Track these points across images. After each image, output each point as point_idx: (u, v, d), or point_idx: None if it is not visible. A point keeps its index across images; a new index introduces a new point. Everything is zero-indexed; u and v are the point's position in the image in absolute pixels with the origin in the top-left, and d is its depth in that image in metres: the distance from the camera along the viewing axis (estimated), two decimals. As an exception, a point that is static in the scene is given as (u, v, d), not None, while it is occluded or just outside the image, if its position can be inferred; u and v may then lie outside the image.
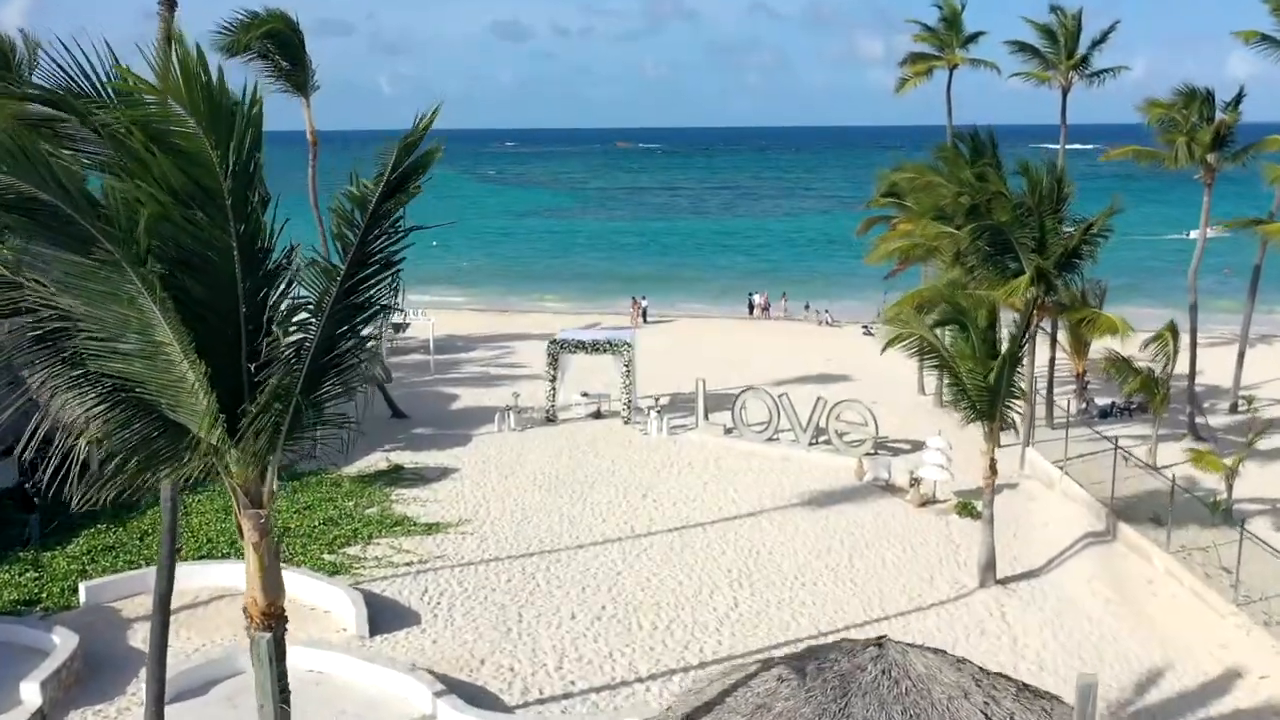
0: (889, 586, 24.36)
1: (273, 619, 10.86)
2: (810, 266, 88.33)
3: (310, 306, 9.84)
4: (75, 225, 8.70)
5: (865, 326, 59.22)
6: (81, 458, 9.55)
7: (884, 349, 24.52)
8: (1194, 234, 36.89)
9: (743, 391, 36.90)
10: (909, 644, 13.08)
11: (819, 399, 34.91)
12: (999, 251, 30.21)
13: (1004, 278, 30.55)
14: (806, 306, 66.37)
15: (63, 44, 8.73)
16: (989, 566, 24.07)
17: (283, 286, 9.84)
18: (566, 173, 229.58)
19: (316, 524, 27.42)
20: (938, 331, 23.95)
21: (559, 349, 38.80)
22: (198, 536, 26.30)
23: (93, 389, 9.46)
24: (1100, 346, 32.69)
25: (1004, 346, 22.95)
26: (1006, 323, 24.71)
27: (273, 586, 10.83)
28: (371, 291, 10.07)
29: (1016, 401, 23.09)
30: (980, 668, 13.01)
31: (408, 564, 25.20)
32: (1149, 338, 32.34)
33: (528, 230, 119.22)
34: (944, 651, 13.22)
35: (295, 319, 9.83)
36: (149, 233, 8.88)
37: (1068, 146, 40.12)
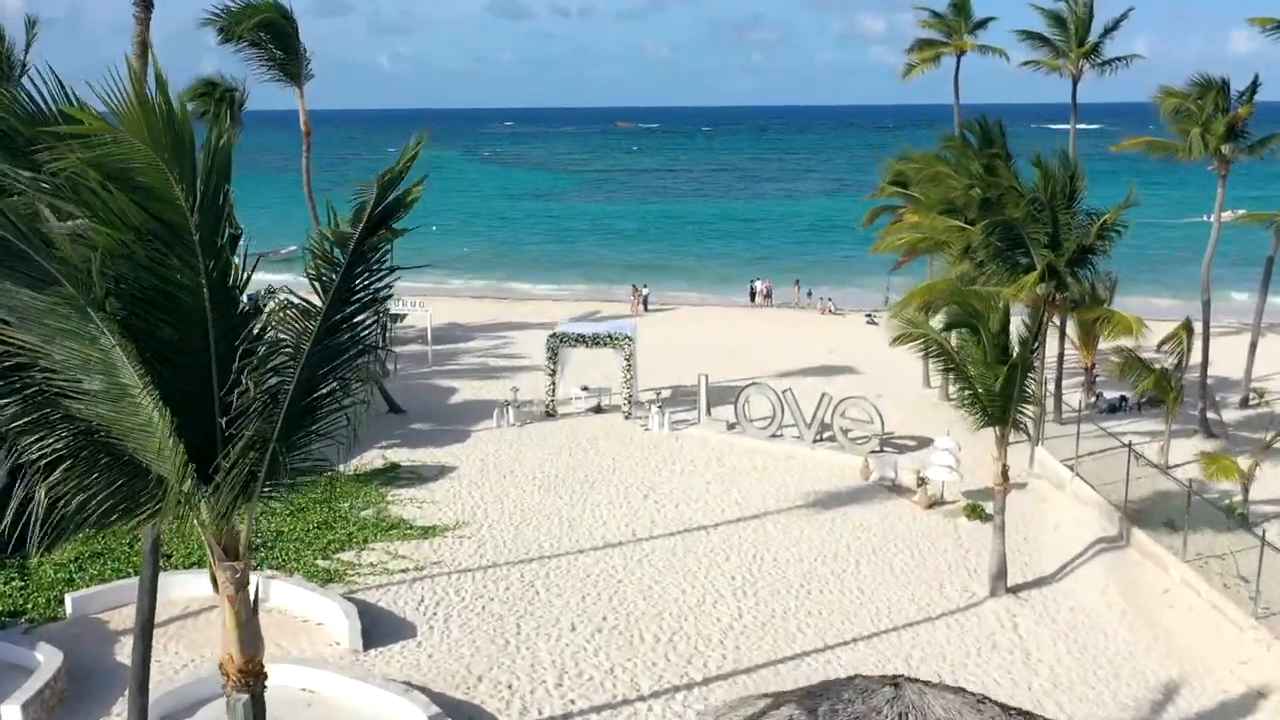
0: (898, 595, 23.74)
1: (251, 677, 10.18)
2: (811, 251, 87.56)
3: (288, 350, 9.13)
4: (30, 261, 8.00)
5: (869, 315, 58.55)
6: (45, 502, 8.87)
7: (892, 344, 23.85)
8: (1210, 217, 35.95)
9: (746, 386, 36.24)
10: (926, 683, 12.41)
11: (824, 395, 34.23)
12: (1010, 247, 29.49)
13: (1014, 273, 29.86)
14: (809, 294, 65.63)
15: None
16: (1000, 575, 23.45)
17: (258, 327, 9.11)
18: (566, 154, 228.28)
19: (311, 528, 26.79)
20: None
21: (558, 342, 38.08)
22: (188, 540, 25.64)
23: (56, 430, 8.77)
24: (1110, 339, 31.94)
25: (1015, 350, 22.28)
26: (1015, 323, 24.02)
27: (251, 643, 10.14)
28: (355, 331, 9.35)
29: (1028, 406, 22.35)
30: (1003, 707, 12.35)
31: (403, 570, 24.57)
32: (1164, 337, 31.61)
33: (527, 214, 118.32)
34: (963, 690, 12.55)
35: (272, 363, 9.11)
36: (108, 272, 8.16)
37: (1079, 126, 39.26)
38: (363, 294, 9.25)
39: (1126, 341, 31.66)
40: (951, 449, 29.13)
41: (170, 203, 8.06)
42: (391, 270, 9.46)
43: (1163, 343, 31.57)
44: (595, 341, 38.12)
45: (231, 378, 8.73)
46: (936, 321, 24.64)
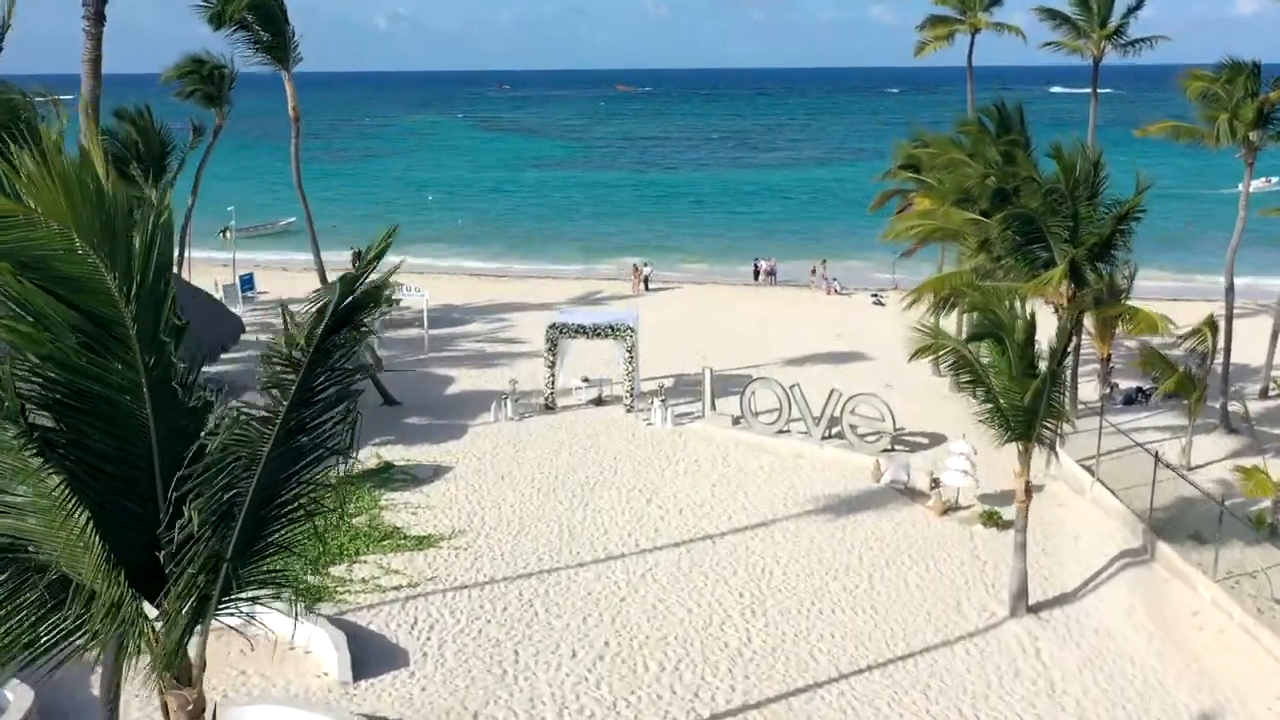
0: (913, 614, 22.68)
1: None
2: (814, 225, 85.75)
3: (242, 459, 7.94)
4: (-69, 361, 6.83)
5: (875, 295, 57.29)
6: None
7: (911, 358, 22.67)
8: (1257, 183, 34.44)
9: (752, 380, 35.08)
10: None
11: (833, 391, 33.04)
12: (1029, 240, 28.17)
13: (1033, 268, 28.57)
14: (813, 271, 64.16)
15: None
16: (1021, 595, 22.38)
17: (210, 427, 7.91)
18: (564, 120, 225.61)
19: (300, 538, 25.63)
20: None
21: (558, 333, 36.84)
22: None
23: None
24: (1133, 335, 30.62)
25: (1041, 360, 21.10)
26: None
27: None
28: (318, 434, 8.18)
29: (1054, 421, 21.17)
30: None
31: (396, 588, 23.49)
32: (1186, 333, 30.39)
33: (524, 184, 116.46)
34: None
35: (222, 477, 7.91)
36: (31, 376, 6.96)
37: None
38: (326, 395, 8.07)
39: (1150, 337, 30.46)
40: (967, 453, 28.01)
41: (100, 294, 6.87)
42: (354, 372, 8.25)
43: (1185, 339, 30.34)
44: (596, 332, 36.86)
45: (173, 493, 7.56)
46: (947, 321, 23.46)
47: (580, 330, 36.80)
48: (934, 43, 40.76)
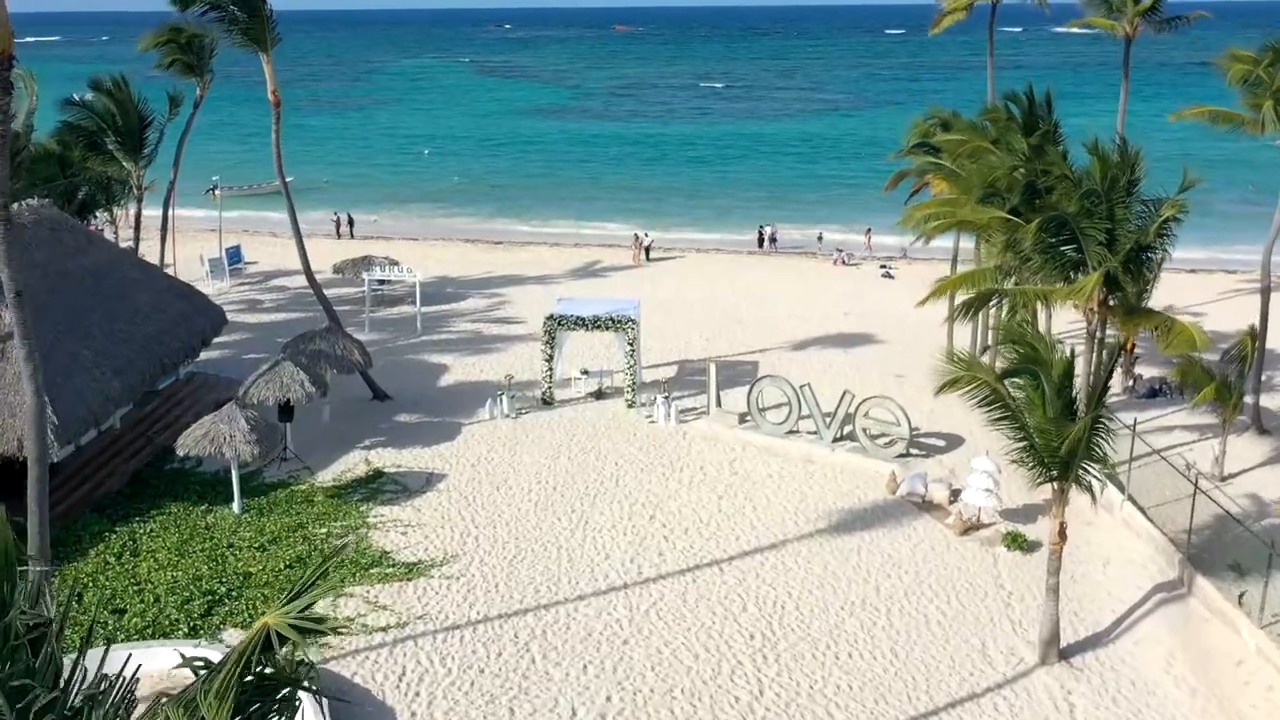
0: (936, 658, 21.21)
1: None
2: (819, 185, 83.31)
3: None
4: None
5: (884, 267, 55.36)
6: None
7: (938, 392, 20.94)
8: None
9: (760, 379, 33.40)
10: None
11: (845, 393, 31.33)
12: (1061, 242, 26.26)
13: (1063, 269, 26.66)
14: (820, 238, 62.14)
15: None
16: (1052, 641, 20.88)
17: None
18: (562, 65, 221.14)
19: (280, 567, 24.13)
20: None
21: (556, 325, 35.03)
22: (145, 592, 22.96)
23: None
24: (1169, 352, 28.78)
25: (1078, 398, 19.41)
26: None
27: None
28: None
29: (1095, 464, 19.49)
30: None
31: (383, 629, 21.97)
32: (1227, 349, 28.59)
33: (520, 136, 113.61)
34: None
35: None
36: None
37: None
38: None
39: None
40: (991, 471, 26.41)
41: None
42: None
43: (1226, 354, 28.51)
44: (596, 324, 35.05)
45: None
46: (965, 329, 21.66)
47: (579, 322, 35.00)
48: (952, 13, 38.47)
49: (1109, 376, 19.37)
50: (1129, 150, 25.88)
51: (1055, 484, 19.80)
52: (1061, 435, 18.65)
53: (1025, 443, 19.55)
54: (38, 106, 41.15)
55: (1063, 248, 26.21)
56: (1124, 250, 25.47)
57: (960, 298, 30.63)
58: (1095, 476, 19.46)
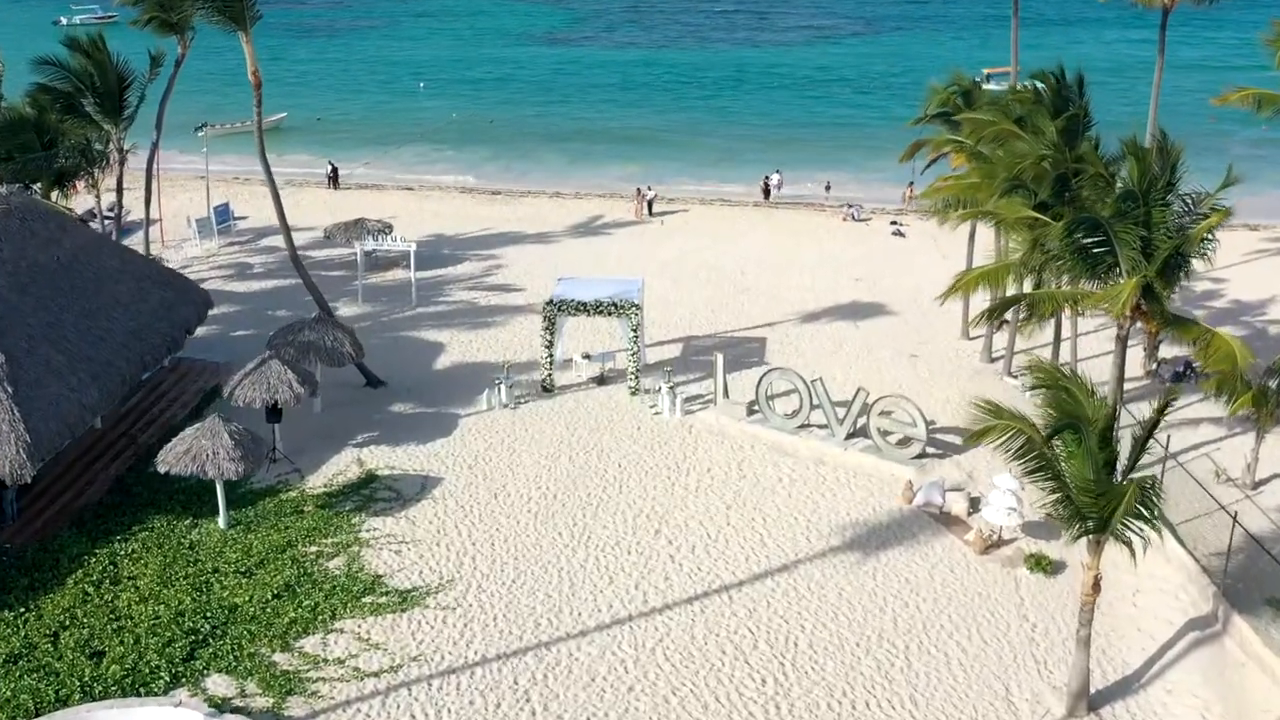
0: (958, 707, 20.14)
1: None
2: (826, 130, 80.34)
3: None
4: None
5: (895, 224, 53.42)
6: None
7: (966, 441, 19.56)
8: None
9: (769, 370, 31.97)
10: None
11: (859, 390, 29.87)
12: (1093, 244, 24.62)
13: (1094, 270, 25.04)
14: (827, 188, 60.05)
15: None
16: (1081, 694, 19.80)
17: None
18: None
19: (268, 597, 22.96)
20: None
21: (556, 310, 33.46)
22: (125, 632, 21.76)
23: None
24: (1210, 368, 27.25)
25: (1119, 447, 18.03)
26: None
27: None
28: None
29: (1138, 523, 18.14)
30: None
31: (375, 674, 20.86)
32: (1272, 364, 27.05)
33: (517, 64, 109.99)
34: None
35: None
36: None
37: None
38: None
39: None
40: (1014, 489, 25.10)
41: None
42: None
43: (1270, 369, 26.95)
44: (598, 309, 33.47)
45: None
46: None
47: (580, 308, 33.42)
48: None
49: (1155, 426, 17.92)
50: (1168, 148, 24.10)
51: (1092, 536, 18.53)
52: (1103, 494, 17.29)
53: (1061, 494, 18.23)
54: (5, 71, 39.01)
55: (1095, 250, 24.60)
56: (1161, 258, 23.84)
57: (977, 294, 29.11)
58: (1137, 534, 18.11)
